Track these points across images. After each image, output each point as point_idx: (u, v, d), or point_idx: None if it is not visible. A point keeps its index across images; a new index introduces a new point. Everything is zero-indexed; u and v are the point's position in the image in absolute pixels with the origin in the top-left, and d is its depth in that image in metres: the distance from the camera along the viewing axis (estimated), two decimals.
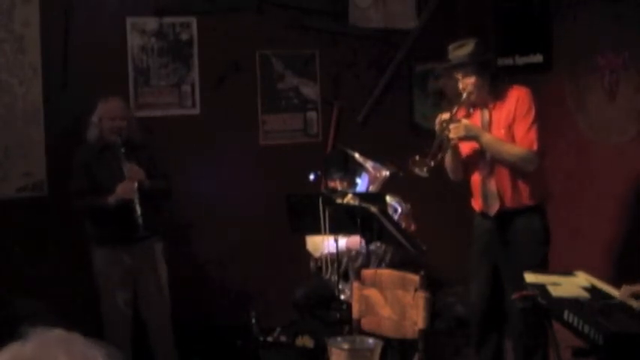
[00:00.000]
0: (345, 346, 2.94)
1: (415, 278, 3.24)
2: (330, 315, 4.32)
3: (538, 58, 4.80)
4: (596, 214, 4.50)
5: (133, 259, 4.19)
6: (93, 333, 1.08)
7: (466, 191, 4.45)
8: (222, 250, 5.09)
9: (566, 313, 2.63)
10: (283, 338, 4.72)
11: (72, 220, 4.67)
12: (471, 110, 3.82)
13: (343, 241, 4.19)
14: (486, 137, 3.68)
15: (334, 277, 4.21)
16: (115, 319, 4.20)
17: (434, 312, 3.62)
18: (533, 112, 3.65)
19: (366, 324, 3.38)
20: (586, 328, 2.47)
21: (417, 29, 5.43)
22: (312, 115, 5.35)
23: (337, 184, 4.33)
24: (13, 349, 1.00)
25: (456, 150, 3.82)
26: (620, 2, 4.27)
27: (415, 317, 3.20)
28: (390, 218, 3.75)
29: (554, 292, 2.87)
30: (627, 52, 4.24)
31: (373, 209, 3.60)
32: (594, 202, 4.51)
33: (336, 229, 3.92)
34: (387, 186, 4.29)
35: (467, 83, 3.70)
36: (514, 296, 2.99)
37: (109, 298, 4.20)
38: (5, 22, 4.59)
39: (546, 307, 2.86)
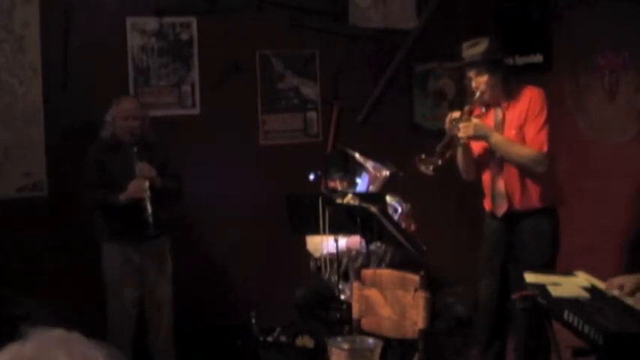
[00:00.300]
0: (345, 346, 2.94)
1: (415, 278, 3.24)
2: (330, 315, 4.32)
3: (538, 58, 4.80)
4: (596, 214, 4.50)
5: (141, 258, 4.21)
6: (93, 333, 1.08)
7: (466, 191, 4.46)
8: (222, 250, 5.09)
9: (566, 313, 2.63)
10: (283, 338, 4.72)
11: (72, 220, 4.68)
12: (483, 110, 3.82)
13: (343, 241, 4.19)
14: (495, 137, 3.67)
15: (334, 277, 4.21)
16: (120, 317, 4.21)
17: (434, 312, 3.62)
18: (544, 114, 3.63)
19: (366, 324, 3.38)
20: (586, 328, 2.47)
21: (417, 29, 5.43)
22: (312, 115, 5.35)
23: (337, 184, 4.33)
24: (13, 349, 1.00)
25: (467, 149, 3.80)
26: (620, 2, 4.27)
27: (415, 317, 3.20)
28: (390, 218, 3.75)
29: (554, 292, 2.87)
30: (627, 52, 4.24)
31: (373, 209, 3.60)
32: (594, 201, 4.51)
33: (336, 229, 3.92)
34: (387, 186, 4.29)
35: (480, 82, 3.69)
36: (514, 296, 2.99)
37: (115, 296, 4.21)
38: (5, 22, 4.58)
39: (546, 307, 2.86)
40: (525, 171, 3.67)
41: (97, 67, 4.73)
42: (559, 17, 4.75)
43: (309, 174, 4.43)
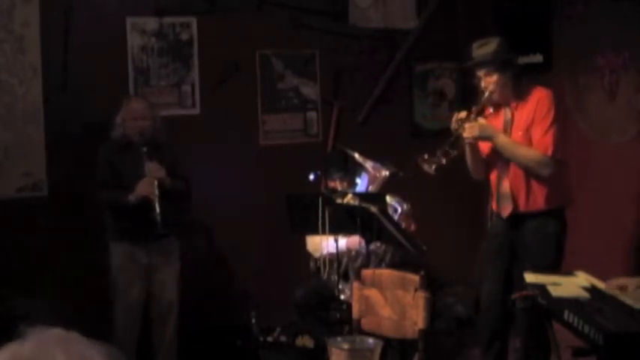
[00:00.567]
0: (345, 346, 2.94)
1: (415, 278, 3.24)
2: (330, 315, 4.32)
3: (538, 58, 4.80)
4: (596, 214, 4.50)
5: (149, 258, 4.23)
6: (94, 333, 1.08)
7: (467, 191, 4.46)
8: (222, 250, 5.09)
9: (566, 313, 2.63)
10: (283, 338, 4.72)
11: (72, 220, 4.68)
12: (491, 110, 3.81)
13: (343, 241, 4.19)
14: (501, 139, 3.66)
15: (334, 277, 4.21)
16: (125, 317, 4.22)
17: (434, 312, 3.62)
18: (551, 116, 3.61)
19: (366, 324, 3.38)
20: (586, 328, 2.47)
21: (417, 29, 5.43)
22: (312, 115, 5.35)
23: (337, 184, 4.33)
24: (12, 348, 1.00)
25: (474, 148, 3.80)
26: (620, 2, 4.27)
27: (415, 317, 3.20)
28: (390, 218, 3.75)
29: (554, 292, 2.87)
30: (627, 52, 4.24)
31: (373, 209, 3.60)
32: (594, 202, 4.51)
33: (336, 229, 3.92)
34: (387, 186, 4.29)
35: (489, 82, 3.68)
36: (514, 296, 2.99)
37: (121, 296, 4.22)
38: (5, 22, 4.58)
39: (546, 307, 2.86)
40: (531, 173, 3.66)
41: (97, 67, 4.73)
42: (559, 17, 4.75)
43: (309, 174, 4.43)
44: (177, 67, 5.00)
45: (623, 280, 2.79)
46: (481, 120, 3.68)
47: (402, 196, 4.28)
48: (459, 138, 3.66)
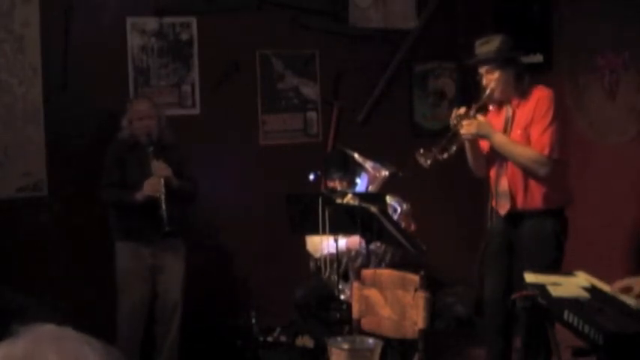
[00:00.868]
0: (345, 346, 2.94)
1: (415, 278, 3.23)
2: (330, 315, 4.32)
3: (538, 58, 4.80)
4: (596, 214, 4.50)
5: (155, 258, 4.24)
6: (96, 333, 1.08)
7: (467, 191, 4.46)
8: (222, 250, 5.09)
9: (566, 313, 2.63)
10: (283, 338, 4.72)
11: (72, 220, 4.68)
12: (491, 107, 3.81)
13: (343, 241, 4.19)
14: (498, 138, 3.66)
15: (334, 277, 4.21)
16: (130, 316, 4.23)
17: (434, 312, 3.62)
18: (550, 115, 3.59)
19: (366, 324, 3.38)
20: (586, 328, 2.47)
21: (417, 29, 5.43)
22: (312, 115, 5.35)
23: (337, 184, 4.33)
24: (4, 347, 0.99)
25: (475, 145, 3.79)
26: (620, 2, 4.27)
27: (415, 317, 3.20)
28: (390, 218, 3.75)
29: (554, 292, 2.86)
30: (627, 52, 4.24)
31: (373, 209, 3.60)
32: (594, 201, 4.51)
33: (336, 229, 3.92)
34: (387, 186, 4.29)
35: (490, 79, 3.69)
36: (514, 296, 2.99)
37: (127, 294, 4.24)
38: (5, 22, 4.58)
39: (546, 307, 2.86)
40: (529, 172, 3.66)
41: (97, 67, 4.73)
42: (559, 17, 4.75)
43: (309, 174, 4.43)
44: (177, 67, 5.01)
45: (627, 281, 2.78)
46: (480, 117, 3.68)
47: (402, 196, 4.28)
48: (457, 134, 3.67)
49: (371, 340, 2.98)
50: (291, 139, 5.29)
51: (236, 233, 5.04)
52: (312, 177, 4.44)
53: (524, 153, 3.62)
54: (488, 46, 3.70)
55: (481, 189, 4.22)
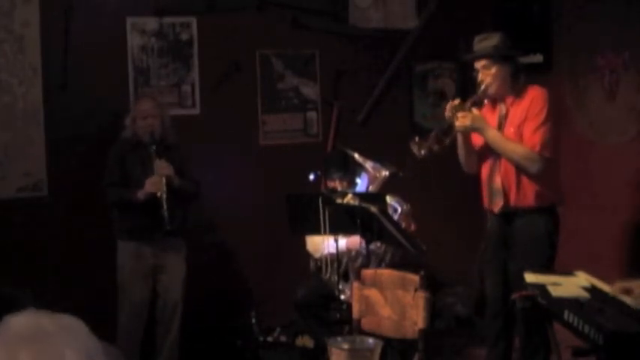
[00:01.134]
0: (345, 346, 2.93)
1: (415, 278, 3.23)
2: (330, 315, 4.32)
3: (538, 58, 4.80)
4: (596, 214, 4.50)
5: (156, 257, 4.25)
6: (95, 333, 1.08)
7: (467, 191, 4.45)
8: (222, 250, 5.09)
9: (566, 313, 2.63)
10: (283, 338, 4.72)
11: (72, 220, 4.68)
12: (485, 102, 3.82)
13: (343, 242, 4.18)
14: (491, 132, 3.67)
15: (334, 277, 4.21)
16: (130, 316, 4.24)
17: (434, 312, 3.62)
18: (544, 114, 3.61)
19: (366, 324, 3.38)
20: (586, 328, 2.47)
21: (417, 29, 5.43)
22: (312, 115, 5.35)
23: (337, 184, 4.33)
24: None
25: (467, 140, 3.80)
26: (620, 2, 4.27)
27: (415, 317, 3.20)
28: (390, 218, 3.75)
29: (554, 292, 2.86)
30: (627, 52, 4.25)
31: (373, 209, 3.59)
32: (594, 201, 4.51)
33: (336, 229, 3.92)
34: (387, 186, 4.29)
35: (486, 74, 3.70)
36: (514, 296, 2.99)
37: (128, 294, 4.24)
38: (5, 22, 4.58)
39: (546, 307, 2.86)
40: (520, 169, 3.66)
41: (97, 67, 4.73)
42: (559, 17, 4.75)
43: (309, 174, 4.43)
44: (177, 67, 5.00)
45: (628, 283, 2.78)
46: (475, 111, 3.69)
47: (402, 196, 4.28)
48: (451, 127, 3.67)
49: (371, 340, 2.98)
50: (291, 139, 5.29)
51: (236, 233, 5.04)
52: (312, 177, 4.44)
53: (517, 149, 3.63)
54: (487, 42, 3.73)
55: (481, 189, 4.22)
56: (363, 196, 3.83)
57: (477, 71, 3.75)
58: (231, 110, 5.08)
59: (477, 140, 3.82)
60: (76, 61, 4.72)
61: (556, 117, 3.68)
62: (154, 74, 4.95)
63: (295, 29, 5.19)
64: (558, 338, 3.04)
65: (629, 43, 4.23)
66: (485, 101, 3.82)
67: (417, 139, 3.65)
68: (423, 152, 3.62)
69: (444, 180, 5.01)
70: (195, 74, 5.04)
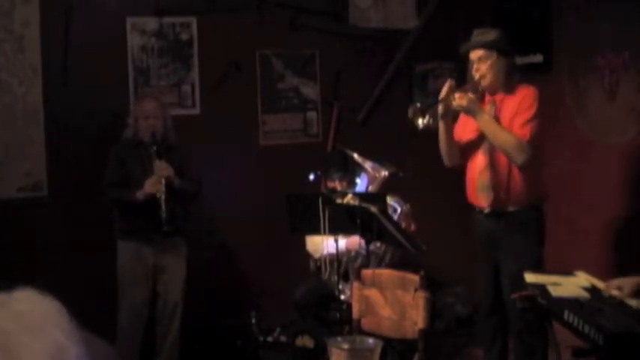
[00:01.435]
0: (345, 346, 2.94)
1: (415, 278, 3.24)
2: (330, 315, 4.32)
3: (538, 58, 4.80)
4: (596, 214, 4.50)
5: (155, 257, 4.26)
6: (95, 333, 1.08)
7: (466, 191, 4.45)
8: (222, 250, 5.09)
9: (566, 313, 2.63)
10: (283, 338, 4.72)
11: (72, 220, 4.68)
12: (479, 91, 3.83)
13: (343, 242, 4.18)
14: (485, 117, 3.68)
15: (334, 277, 4.21)
16: (130, 316, 4.24)
17: (434, 312, 3.62)
18: (533, 110, 3.65)
19: (366, 324, 3.38)
20: (586, 328, 2.47)
21: (417, 29, 5.43)
22: (312, 115, 5.35)
23: (337, 184, 4.33)
24: None
25: (448, 130, 3.81)
26: (620, 2, 4.27)
27: (415, 317, 3.20)
28: (390, 218, 3.75)
29: (554, 292, 2.87)
30: (627, 52, 4.24)
31: (373, 209, 3.59)
32: (594, 201, 4.51)
33: (335, 229, 3.92)
34: (387, 186, 4.29)
35: (481, 66, 3.73)
36: (513, 296, 2.99)
37: (128, 294, 4.25)
38: (5, 22, 4.58)
39: (546, 307, 2.86)
40: (508, 159, 3.66)
41: (97, 67, 4.73)
42: (559, 17, 4.75)
43: (309, 174, 4.43)
44: (177, 67, 5.00)
45: (618, 282, 2.79)
46: (471, 95, 3.70)
47: (402, 196, 4.28)
48: (449, 105, 3.68)
49: (371, 340, 2.98)
50: (291, 139, 5.29)
51: (236, 233, 5.04)
52: (312, 177, 4.44)
53: (507, 137, 3.64)
54: (485, 36, 3.77)
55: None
56: (363, 196, 3.83)
57: (472, 64, 3.77)
58: (231, 110, 5.08)
59: (464, 135, 3.84)
60: (76, 61, 4.72)
61: (545, 117, 3.71)
62: (154, 74, 4.95)
63: (295, 29, 5.19)
64: (558, 338, 3.04)
65: (629, 43, 4.23)
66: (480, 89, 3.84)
67: (418, 104, 3.67)
68: (421, 122, 3.63)
69: (443, 180, 5.00)
70: (195, 74, 5.04)
